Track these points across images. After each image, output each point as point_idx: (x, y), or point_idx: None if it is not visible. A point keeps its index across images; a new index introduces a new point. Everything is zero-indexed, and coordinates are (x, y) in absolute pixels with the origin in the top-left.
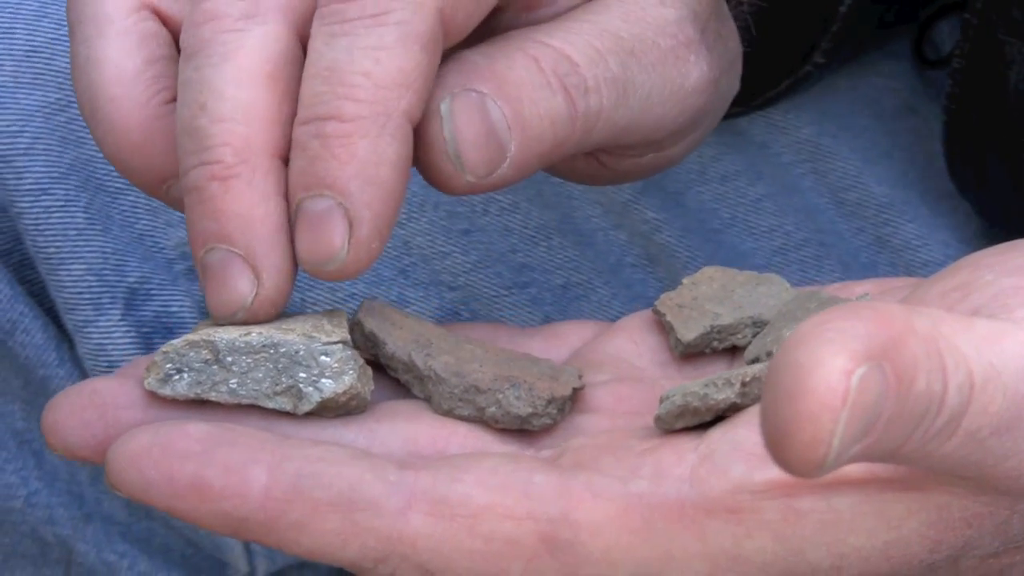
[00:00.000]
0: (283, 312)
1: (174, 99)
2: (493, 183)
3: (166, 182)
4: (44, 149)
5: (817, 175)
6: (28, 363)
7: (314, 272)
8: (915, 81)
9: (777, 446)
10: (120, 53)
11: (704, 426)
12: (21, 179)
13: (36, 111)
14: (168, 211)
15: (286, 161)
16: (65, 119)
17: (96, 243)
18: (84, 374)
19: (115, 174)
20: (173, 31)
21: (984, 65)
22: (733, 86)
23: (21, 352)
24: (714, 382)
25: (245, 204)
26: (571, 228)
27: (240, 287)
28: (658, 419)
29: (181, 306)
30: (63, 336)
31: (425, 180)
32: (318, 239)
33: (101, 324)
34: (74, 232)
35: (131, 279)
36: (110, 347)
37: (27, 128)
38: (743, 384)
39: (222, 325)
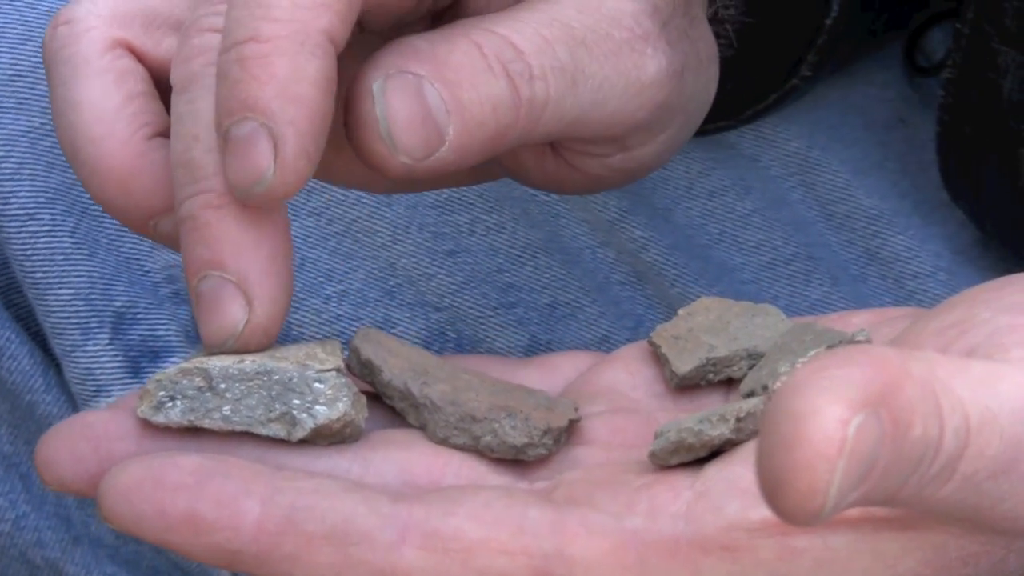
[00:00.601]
0: (275, 343)
1: (156, 134)
2: (432, 166)
3: (153, 218)
4: (30, 174)
5: (806, 188)
6: (15, 388)
7: (245, 197)
8: (906, 90)
9: (773, 495)
10: (98, 93)
11: (700, 461)
12: (7, 204)
13: (21, 136)
14: None
15: None
16: (50, 143)
17: (83, 268)
18: (71, 399)
19: None
20: (148, 67)
21: (977, 75)
22: (707, 89)
23: (8, 377)
24: (709, 418)
25: (238, 231)
26: (558, 247)
27: (232, 313)
28: (653, 455)
29: (167, 330)
30: (50, 361)
31: (362, 162)
32: (244, 162)
33: (89, 348)
34: (61, 257)
35: (118, 303)
36: (98, 371)
37: (12, 153)
38: (738, 420)
39: (214, 355)
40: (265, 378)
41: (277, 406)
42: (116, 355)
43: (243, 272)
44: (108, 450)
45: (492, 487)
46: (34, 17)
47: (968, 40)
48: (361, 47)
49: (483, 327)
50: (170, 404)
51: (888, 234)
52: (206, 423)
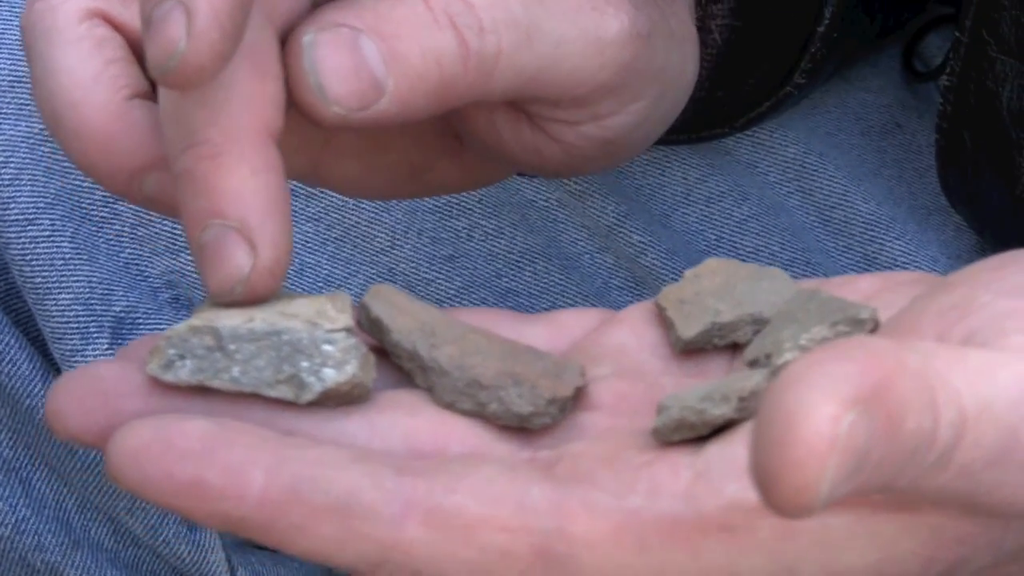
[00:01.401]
0: (285, 293)
1: (136, 95)
2: (372, 117)
3: (137, 177)
4: (29, 179)
5: (804, 194)
6: (14, 393)
7: (163, 75)
8: (903, 96)
9: (766, 489)
10: (76, 60)
11: (702, 438)
12: (7, 209)
13: (21, 142)
14: (154, 239)
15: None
16: (50, 149)
17: (82, 273)
18: None
19: (100, 203)
20: (125, 35)
21: (976, 83)
22: (683, 67)
23: (7, 382)
24: (711, 396)
25: (236, 179)
26: (556, 252)
27: (236, 260)
28: (655, 431)
29: None
30: (50, 366)
31: (300, 113)
32: (159, 38)
33: (88, 353)
34: (60, 262)
35: (117, 308)
36: None
37: (12, 159)
38: (740, 399)
39: (223, 306)
40: (275, 339)
41: (286, 368)
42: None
43: (244, 218)
44: (117, 405)
45: (495, 460)
46: None
47: (967, 49)
48: None
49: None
50: (180, 363)
51: (885, 239)
52: (215, 383)
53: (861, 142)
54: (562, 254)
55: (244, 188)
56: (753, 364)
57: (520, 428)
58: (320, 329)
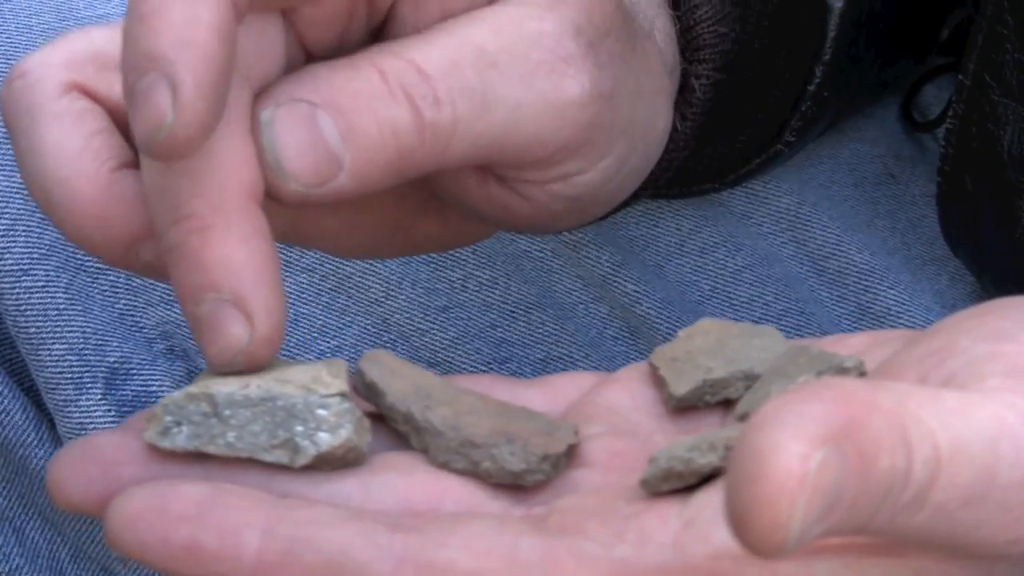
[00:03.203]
0: (282, 360)
1: (122, 166)
2: (330, 193)
3: (133, 247)
4: (24, 230)
5: (798, 244)
6: (7, 442)
7: (150, 148)
8: (896, 146)
9: (739, 528)
10: (59, 135)
11: (690, 488)
12: (1, 260)
13: (15, 193)
14: (148, 291)
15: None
16: None
17: (77, 323)
18: None
19: None
20: (104, 105)
21: (978, 126)
22: (653, 121)
23: (1, 432)
24: (699, 446)
25: (225, 250)
26: (551, 302)
27: (234, 332)
28: (644, 482)
29: (160, 386)
30: (43, 416)
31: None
32: (145, 111)
33: (82, 403)
34: (55, 312)
35: (112, 359)
36: (91, 426)
37: (7, 210)
38: (727, 448)
39: (221, 376)
40: (269, 404)
41: (280, 433)
42: (109, 410)
43: (237, 290)
44: (116, 474)
45: (486, 516)
46: None
47: (969, 92)
48: None
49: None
50: (176, 429)
51: (879, 289)
52: (211, 449)
53: (855, 193)
54: (557, 304)
55: (234, 259)
56: (744, 418)
57: (514, 486)
58: (315, 394)
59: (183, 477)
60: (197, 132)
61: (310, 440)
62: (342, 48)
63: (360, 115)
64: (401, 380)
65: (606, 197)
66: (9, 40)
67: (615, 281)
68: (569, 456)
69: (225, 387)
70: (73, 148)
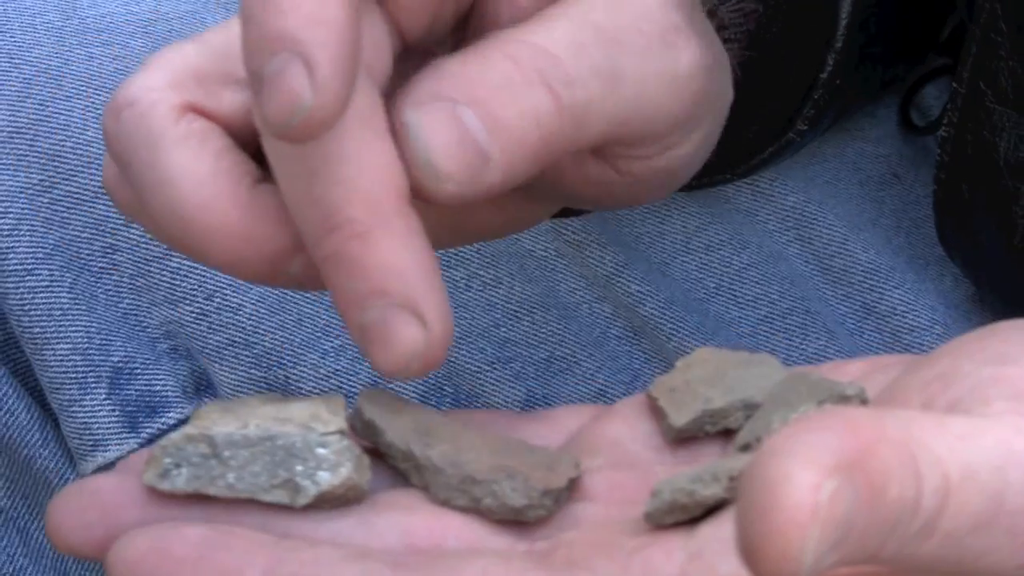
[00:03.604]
0: (277, 396)
1: (256, 182)
2: (483, 188)
3: (282, 263)
4: (28, 230)
5: (803, 242)
6: (12, 442)
7: (286, 132)
8: (901, 147)
9: (750, 560)
10: (188, 161)
11: (694, 520)
12: (5, 260)
13: (19, 192)
14: (152, 291)
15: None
16: (48, 200)
17: (81, 323)
18: (68, 454)
19: (99, 254)
20: (220, 123)
21: (973, 134)
22: (726, 92)
23: (5, 432)
24: (702, 477)
25: (389, 254)
26: (555, 302)
27: (410, 336)
28: (648, 515)
29: (165, 385)
30: (47, 416)
31: (414, 195)
32: (281, 94)
33: (86, 403)
34: (59, 312)
35: (115, 359)
36: (95, 426)
37: (11, 209)
38: (731, 479)
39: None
40: (269, 444)
41: (281, 472)
42: (113, 410)
43: (407, 293)
44: (116, 517)
45: (490, 552)
46: (33, 75)
47: (964, 99)
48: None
49: (480, 382)
50: (176, 471)
51: (884, 288)
52: (211, 491)
53: (859, 192)
54: (560, 304)
55: (400, 263)
56: (745, 448)
57: (516, 521)
58: (314, 433)
59: (184, 519)
60: (335, 112)
61: (310, 480)
62: (433, 32)
63: (502, 106)
64: (400, 418)
65: (692, 168)
66: (13, 39)
67: (619, 281)
68: (570, 489)
69: (224, 427)
70: (205, 171)
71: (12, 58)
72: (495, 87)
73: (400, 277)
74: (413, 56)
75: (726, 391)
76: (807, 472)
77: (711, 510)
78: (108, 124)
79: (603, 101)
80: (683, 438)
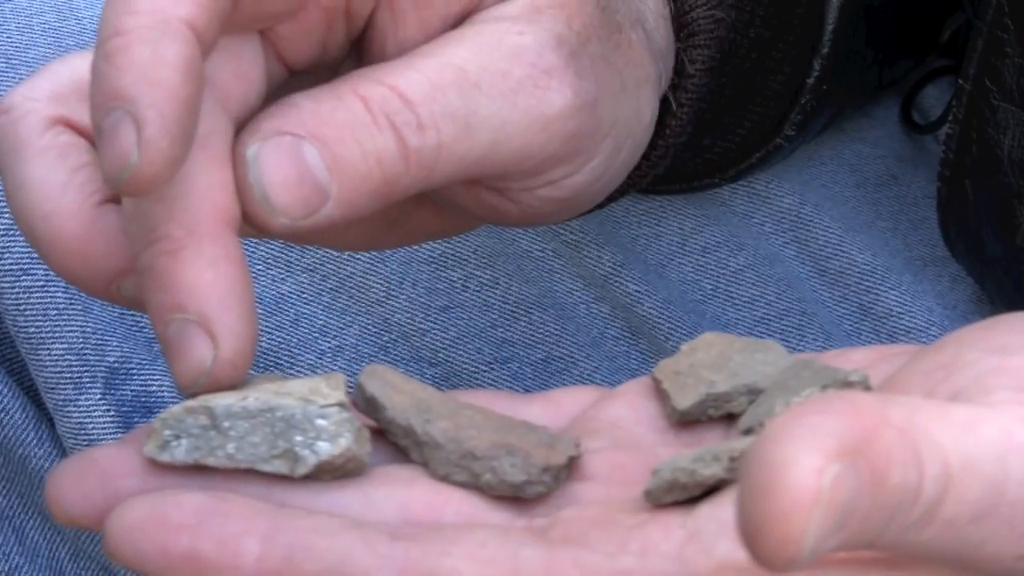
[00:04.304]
0: (280, 375)
1: (106, 200)
2: (318, 224)
3: (115, 281)
4: None
5: (799, 244)
6: (7, 442)
7: (117, 186)
8: (898, 148)
9: (751, 542)
10: (43, 171)
11: (694, 500)
12: (1, 259)
13: None
14: None
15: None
16: None
17: (76, 323)
18: (63, 453)
19: None
20: (89, 139)
21: (978, 131)
22: (639, 114)
23: (0, 431)
24: (702, 457)
25: (194, 273)
26: (552, 302)
27: (198, 352)
28: (648, 493)
29: (160, 385)
30: (43, 415)
31: (248, 226)
32: (112, 151)
33: (81, 403)
34: (54, 312)
35: (111, 359)
36: (90, 426)
37: (6, 209)
38: (731, 460)
39: (194, 395)
40: (268, 415)
41: (280, 443)
42: (108, 410)
43: (202, 311)
44: (115, 486)
45: (488, 526)
46: (29, 75)
47: (969, 96)
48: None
49: (477, 382)
50: (175, 443)
51: (881, 290)
52: (210, 461)
53: (856, 194)
54: (558, 304)
55: (201, 281)
56: (748, 433)
57: (515, 498)
58: (313, 405)
59: (182, 488)
60: (162, 170)
61: (310, 449)
62: (323, 60)
63: (345, 145)
64: (401, 394)
65: (596, 193)
66: (10, 40)
67: (616, 281)
68: (570, 468)
69: (224, 399)
70: (56, 183)
71: (9, 59)
72: (341, 126)
73: (199, 295)
74: (308, 78)
75: (730, 376)
76: (810, 455)
77: (711, 490)
78: None
79: (455, 145)
80: (686, 421)
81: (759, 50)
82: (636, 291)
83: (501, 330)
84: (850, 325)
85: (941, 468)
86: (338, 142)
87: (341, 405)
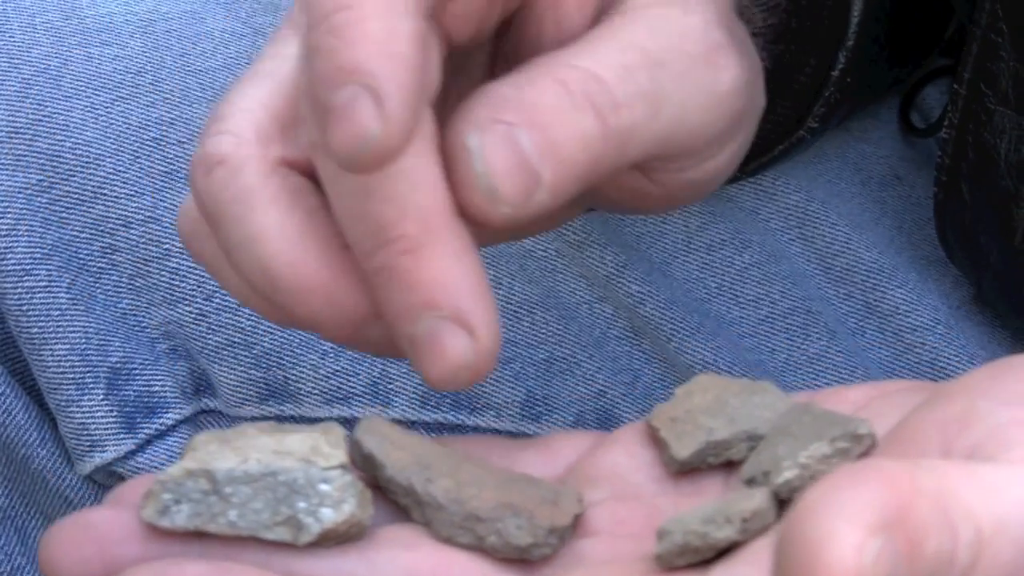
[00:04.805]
0: (273, 425)
1: (346, 244)
2: (531, 210)
3: (363, 325)
4: (27, 230)
5: (805, 241)
6: (9, 442)
7: (351, 163)
8: (901, 148)
9: None
10: (279, 218)
11: (706, 561)
12: (3, 260)
13: (18, 192)
14: (151, 291)
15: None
16: (47, 200)
17: (79, 323)
18: (66, 453)
19: (98, 254)
20: (303, 167)
21: (974, 135)
22: (760, 99)
23: (3, 432)
24: (714, 519)
25: (440, 269)
26: (555, 302)
27: (459, 348)
28: (659, 557)
29: (163, 386)
30: (45, 415)
31: (463, 217)
32: (349, 126)
33: (84, 404)
34: (57, 312)
35: (114, 359)
36: (92, 426)
37: (9, 209)
38: (743, 520)
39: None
40: (271, 479)
41: (283, 509)
42: (111, 410)
43: (457, 306)
44: (113, 553)
45: None
46: (32, 75)
47: (965, 101)
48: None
49: (480, 382)
50: (175, 508)
51: (887, 288)
52: (212, 528)
53: (861, 192)
54: (560, 304)
55: (450, 277)
56: (751, 483)
57: (520, 559)
58: (315, 467)
59: (183, 556)
60: (400, 145)
61: (313, 517)
62: (476, 39)
63: (556, 130)
64: (400, 450)
65: (724, 177)
66: (12, 39)
67: (619, 281)
68: (574, 525)
69: (224, 462)
70: (295, 230)
71: (11, 58)
72: (550, 111)
73: (450, 290)
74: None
75: (728, 422)
76: (851, 530)
77: (722, 552)
78: (198, 180)
79: (646, 123)
80: (685, 470)
81: (797, 43)
82: (639, 291)
83: (504, 330)
84: (855, 323)
85: (974, 534)
86: (550, 127)
87: (343, 466)
